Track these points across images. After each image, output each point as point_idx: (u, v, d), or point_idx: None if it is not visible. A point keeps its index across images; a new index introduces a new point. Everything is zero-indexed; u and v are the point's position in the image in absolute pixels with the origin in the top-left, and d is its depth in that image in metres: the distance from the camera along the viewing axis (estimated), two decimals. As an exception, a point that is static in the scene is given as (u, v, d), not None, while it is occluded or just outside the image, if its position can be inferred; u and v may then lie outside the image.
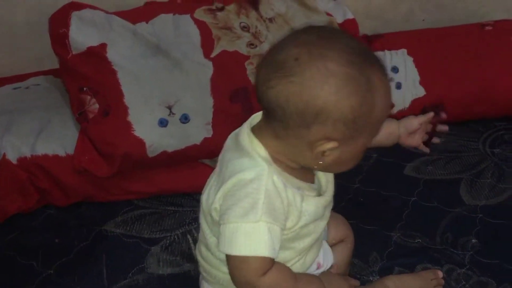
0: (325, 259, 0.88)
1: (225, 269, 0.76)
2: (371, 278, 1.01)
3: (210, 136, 1.20)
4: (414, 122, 0.91)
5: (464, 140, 1.41)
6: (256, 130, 0.75)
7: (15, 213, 1.13)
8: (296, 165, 0.75)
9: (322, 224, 0.80)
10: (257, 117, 0.78)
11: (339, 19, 1.46)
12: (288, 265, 0.78)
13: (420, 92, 1.45)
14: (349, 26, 1.47)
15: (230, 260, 0.72)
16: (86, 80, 1.21)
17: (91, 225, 1.14)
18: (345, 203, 1.18)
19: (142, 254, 1.07)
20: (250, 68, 1.29)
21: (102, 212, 1.18)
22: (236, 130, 0.80)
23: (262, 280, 0.71)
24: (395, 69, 1.47)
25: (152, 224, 1.14)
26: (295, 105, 0.66)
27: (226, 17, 1.34)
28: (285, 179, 0.73)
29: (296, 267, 0.79)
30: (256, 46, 1.32)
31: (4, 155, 1.11)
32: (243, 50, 1.30)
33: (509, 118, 1.48)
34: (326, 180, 0.81)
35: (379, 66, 0.69)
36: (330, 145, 0.68)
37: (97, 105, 1.18)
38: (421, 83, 1.46)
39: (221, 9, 1.35)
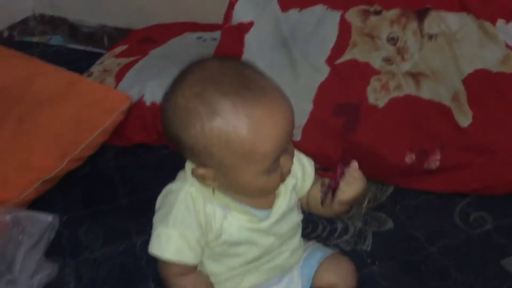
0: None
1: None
2: None
3: (298, 139, 1.19)
4: None
5: None
6: None
7: (138, 143, 1.39)
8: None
9: (256, 250, 0.81)
10: None
11: (524, 55, 1.18)
12: (218, 279, 0.83)
13: None
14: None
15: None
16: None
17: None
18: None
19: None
20: (374, 85, 1.20)
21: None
22: None
23: (176, 280, 0.79)
24: None
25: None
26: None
27: (377, 24, 1.23)
28: (211, 198, 0.76)
29: (229, 285, 0.83)
30: (393, 63, 1.20)
31: (142, 96, 1.36)
32: (376, 63, 1.21)
33: None
34: (284, 211, 0.82)
35: (250, 94, 0.67)
36: (201, 170, 0.73)
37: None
38: None
39: (379, 12, 1.25)
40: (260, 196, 0.78)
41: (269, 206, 0.82)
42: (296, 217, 0.88)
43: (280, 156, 0.72)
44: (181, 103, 0.70)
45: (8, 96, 1.27)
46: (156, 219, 0.80)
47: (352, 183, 0.77)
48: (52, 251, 1.08)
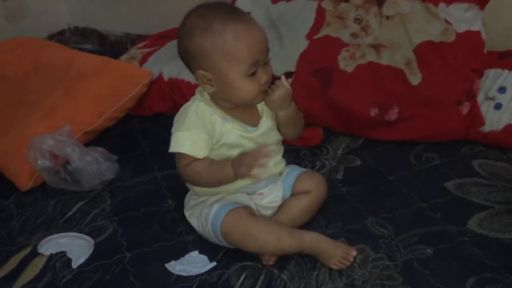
0: (271, 192, 1.18)
1: None
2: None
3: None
4: None
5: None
6: None
7: (157, 112, 1.72)
8: (229, 105, 1.09)
9: None
10: None
11: (460, 29, 1.49)
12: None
13: (518, 119, 1.40)
14: (470, 37, 1.48)
15: (175, 159, 1.11)
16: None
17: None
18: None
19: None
20: (344, 55, 1.52)
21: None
22: None
23: (186, 169, 1.08)
24: (501, 89, 1.44)
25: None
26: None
27: (346, 8, 1.56)
28: (214, 111, 1.08)
29: (226, 186, 1.12)
30: (358, 37, 1.52)
31: (161, 73, 1.69)
32: (345, 38, 1.53)
33: None
34: (267, 128, 1.13)
35: (233, 17, 1.00)
36: (202, 71, 1.04)
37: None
38: (523, 109, 1.40)
39: (347, 1, 1.58)
40: (244, 101, 1.08)
41: (256, 124, 1.14)
42: (277, 135, 1.18)
43: (258, 69, 1.03)
44: (188, 22, 1.04)
45: (58, 71, 1.63)
46: (174, 128, 1.11)
47: (278, 87, 1.08)
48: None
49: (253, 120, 1.14)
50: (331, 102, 1.50)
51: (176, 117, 1.12)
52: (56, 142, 1.37)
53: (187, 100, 1.60)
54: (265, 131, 1.14)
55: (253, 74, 1.03)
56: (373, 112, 1.49)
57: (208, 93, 1.10)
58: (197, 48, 1.03)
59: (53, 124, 1.45)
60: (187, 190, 1.23)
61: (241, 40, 1.01)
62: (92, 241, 1.21)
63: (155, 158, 1.52)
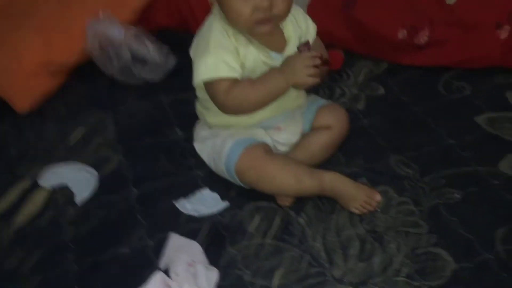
0: (289, 126, 1.09)
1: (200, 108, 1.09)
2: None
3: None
4: None
5: None
6: None
7: (164, 27, 1.54)
8: None
9: None
10: None
11: None
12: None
13: None
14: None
15: (207, 91, 0.99)
16: None
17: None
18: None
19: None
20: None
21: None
22: None
23: (229, 96, 0.95)
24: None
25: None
26: None
27: None
28: (238, 31, 0.96)
29: (242, 118, 1.02)
30: None
31: None
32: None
33: None
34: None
35: None
36: None
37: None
38: None
39: None
40: (240, 26, 0.95)
41: (281, 50, 1.02)
42: None
43: None
44: None
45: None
46: (195, 53, 0.98)
47: None
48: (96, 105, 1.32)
49: (277, 46, 1.01)
50: (354, 21, 1.35)
51: (196, 40, 0.99)
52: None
53: (195, 14, 1.48)
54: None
55: None
56: (401, 34, 1.34)
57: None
58: None
59: (48, 39, 1.31)
60: (196, 118, 1.14)
61: None
62: (96, 173, 1.13)
63: (162, 82, 1.40)
